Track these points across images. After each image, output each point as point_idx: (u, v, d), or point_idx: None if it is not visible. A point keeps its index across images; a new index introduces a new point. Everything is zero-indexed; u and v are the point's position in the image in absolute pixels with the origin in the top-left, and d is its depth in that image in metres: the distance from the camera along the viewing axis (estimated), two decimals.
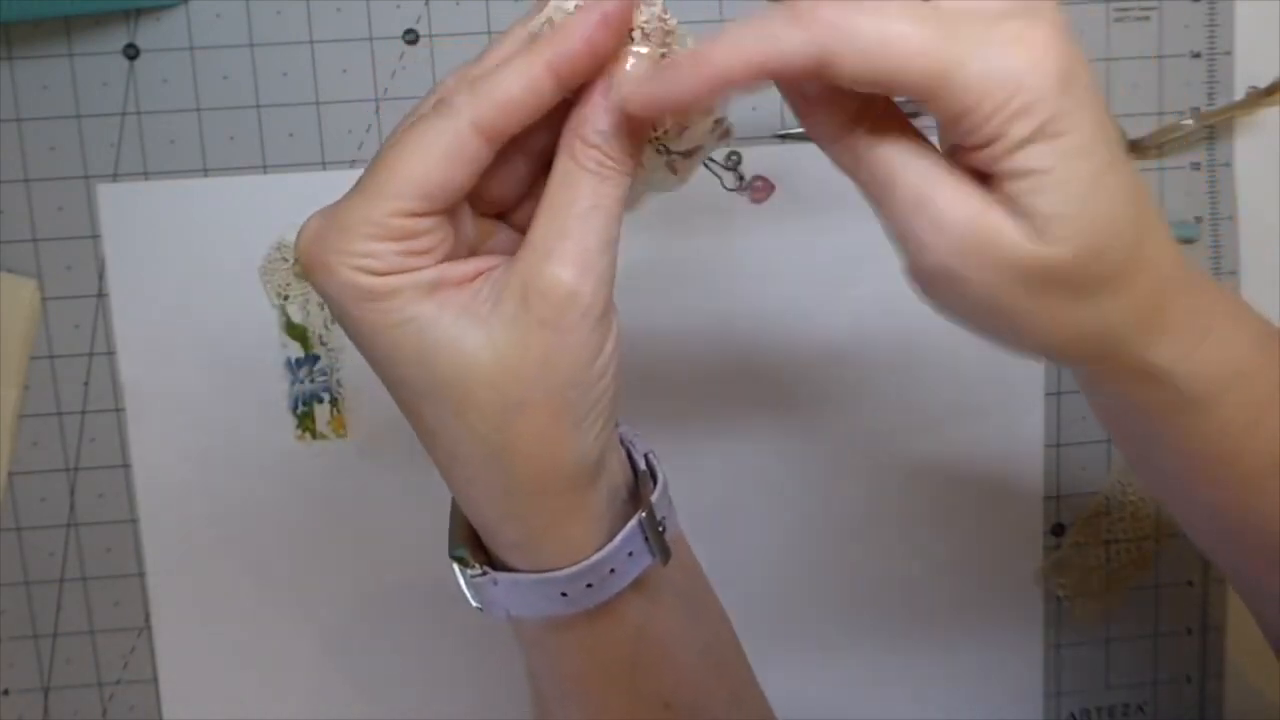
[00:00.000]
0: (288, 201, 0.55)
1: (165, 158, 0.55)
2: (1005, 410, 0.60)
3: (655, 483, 0.37)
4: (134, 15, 0.54)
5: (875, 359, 0.59)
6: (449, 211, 0.32)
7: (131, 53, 0.54)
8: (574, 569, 0.33)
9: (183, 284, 0.56)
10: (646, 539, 0.35)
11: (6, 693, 0.58)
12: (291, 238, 0.55)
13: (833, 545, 0.60)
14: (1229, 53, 0.59)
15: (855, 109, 0.32)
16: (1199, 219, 0.60)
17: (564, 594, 0.34)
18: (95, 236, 0.55)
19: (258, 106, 0.55)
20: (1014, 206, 0.29)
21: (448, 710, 0.59)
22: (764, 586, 0.60)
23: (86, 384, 0.56)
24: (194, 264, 0.55)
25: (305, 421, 0.56)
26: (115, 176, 0.55)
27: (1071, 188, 0.29)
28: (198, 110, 0.54)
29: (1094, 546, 0.61)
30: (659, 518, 0.36)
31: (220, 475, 0.56)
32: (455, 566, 0.36)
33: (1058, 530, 0.61)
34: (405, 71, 0.55)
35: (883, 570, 0.61)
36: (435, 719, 0.59)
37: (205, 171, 0.55)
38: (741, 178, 0.57)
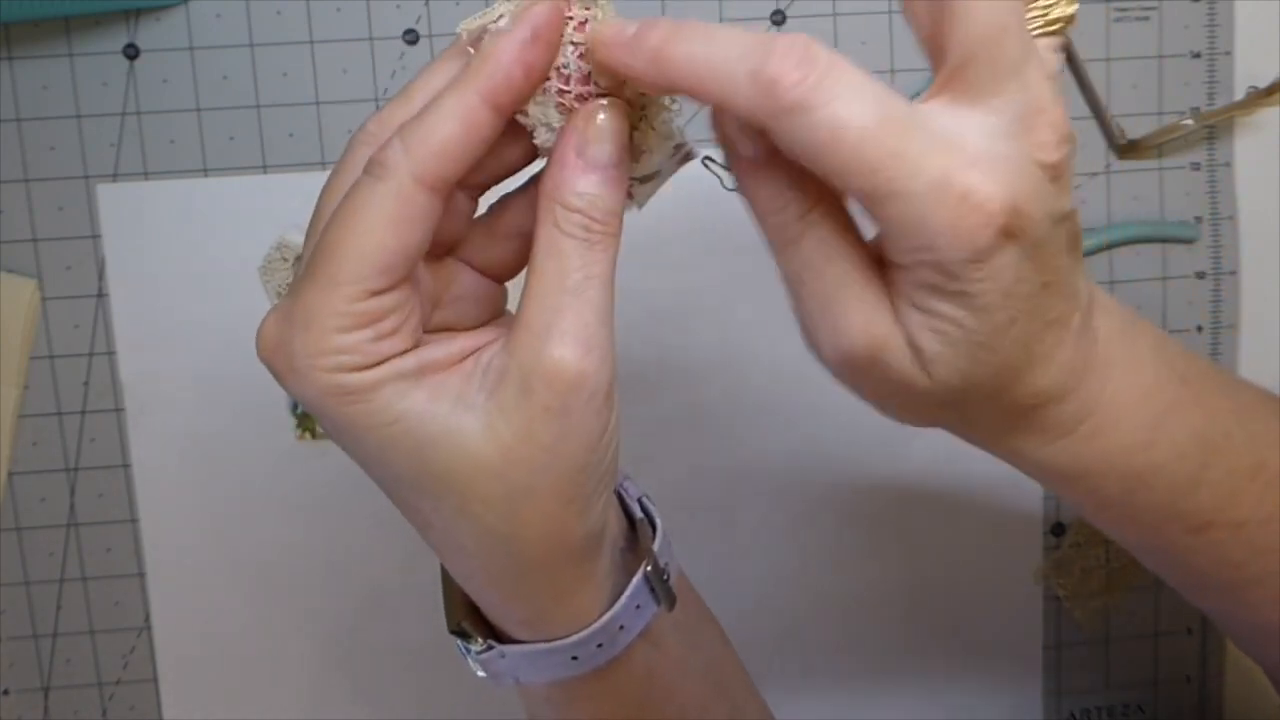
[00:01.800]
0: (288, 201, 0.55)
1: (165, 158, 0.55)
2: None
3: (654, 528, 0.36)
4: (134, 15, 0.54)
5: None
6: (411, 279, 0.29)
7: (131, 53, 0.54)
8: (583, 634, 0.32)
9: (183, 284, 0.56)
10: (652, 589, 0.34)
11: (6, 693, 0.58)
12: (292, 237, 0.55)
13: (832, 545, 0.60)
14: (1229, 53, 0.59)
15: (795, 183, 0.30)
16: (1199, 219, 0.60)
17: (574, 657, 0.33)
18: (95, 236, 0.55)
19: (258, 106, 0.55)
20: (909, 332, 0.29)
21: (448, 710, 0.59)
22: (764, 587, 0.60)
23: (86, 384, 0.56)
24: (194, 264, 0.55)
25: (305, 421, 0.56)
26: (115, 176, 0.55)
27: (962, 347, 0.28)
28: (198, 110, 0.54)
29: (1094, 546, 0.61)
30: (662, 565, 0.34)
31: (220, 475, 0.56)
32: (457, 641, 0.35)
33: (1058, 530, 0.61)
34: (405, 72, 0.55)
35: (883, 570, 0.61)
36: (435, 719, 0.59)
37: (205, 171, 0.55)
38: None
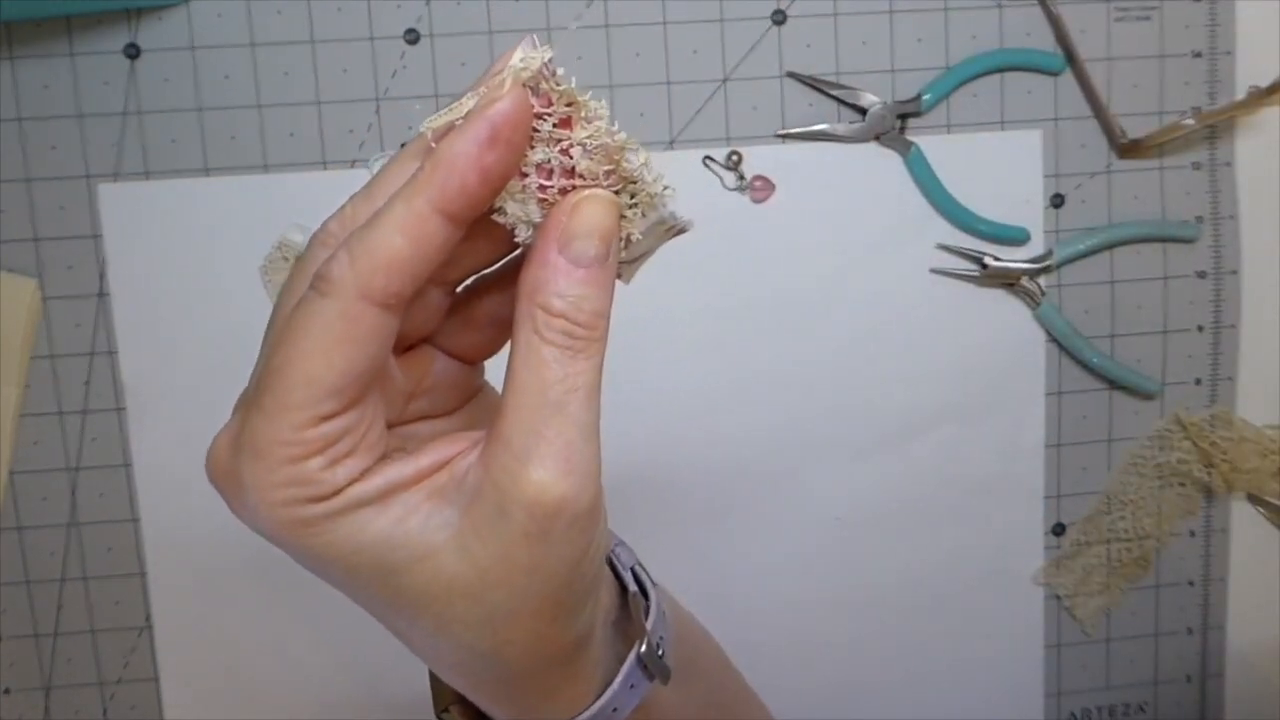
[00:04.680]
0: (289, 201, 0.55)
1: (166, 157, 0.55)
2: (1005, 410, 0.60)
3: (647, 600, 0.33)
4: (135, 15, 0.54)
5: (875, 359, 0.59)
6: (365, 396, 0.26)
7: (133, 52, 0.54)
8: None
9: (183, 284, 0.56)
10: (645, 666, 0.32)
11: (8, 692, 0.58)
12: (293, 236, 0.55)
13: (833, 545, 0.60)
14: (1230, 52, 0.59)
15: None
16: (1200, 219, 0.60)
17: None
18: (96, 236, 0.55)
19: (259, 106, 0.55)
20: None
21: None
22: (764, 587, 0.60)
23: (87, 383, 0.56)
24: (195, 263, 0.55)
25: None
26: (116, 176, 0.55)
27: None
28: (199, 110, 0.54)
29: (1094, 546, 0.61)
30: (655, 642, 0.32)
31: None
32: None
33: (1058, 530, 0.61)
34: (406, 71, 0.55)
35: (883, 570, 0.61)
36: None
37: (206, 171, 0.55)
38: (742, 178, 0.57)
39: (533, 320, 0.26)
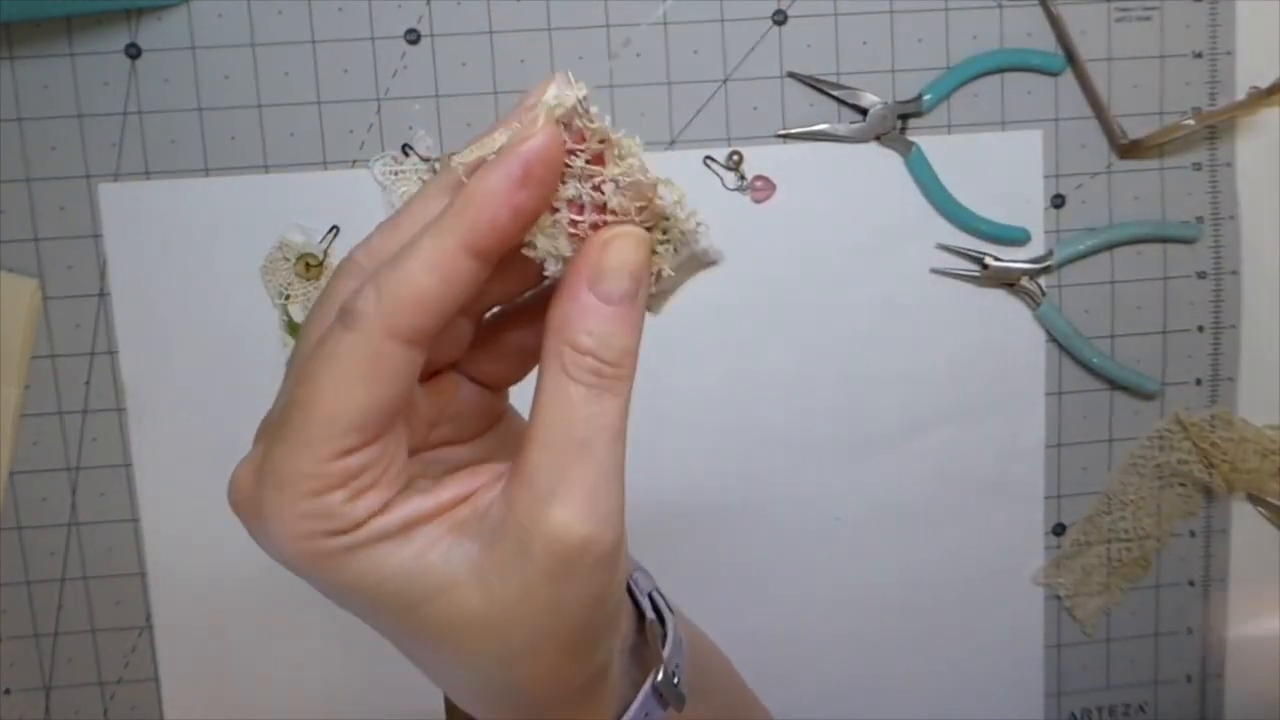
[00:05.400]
0: (289, 201, 0.55)
1: (166, 157, 0.55)
2: (1005, 410, 0.60)
3: (664, 627, 0.33)
4: (135, 15, 0.54)
5: (875, 359, 0.59)
6: (389, 431, 0.26)
7: (133, 52, 0.54)
8: None
9: (183, 284, 0.56)
10: (660, 695, 0.31)
11: (8, 692, 0.58)
12: (293, 237, 0.55)
13: (833, 545, 0.60)
14: (1230, 53, 0.59)
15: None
16: (1200, 219, 0.60)
17: None
18: (96, 236, 0.55)
19: (259, 106, 0.55)
20: None
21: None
22: (764, 587, 0.60)
23: (88, 383, 0.56)
24: (195, 264, 0.55)
25: None
26: (117, 176, 0.55)
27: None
28: (199, 110, 0.54)
29: (1094, 546, 0.61)
30: (671, 670, 0.32)
31: (221, 475, 0.56)
32: None
33: (1058, 530, 0.61)
34: (407, 71, 0.55)
35: (883, 570, 0.61)
36: (436, 719, 0.59)
37: (206, 171, 0.55)
38: (742, 177, 0.57)
39: (560, 357, 0.26)
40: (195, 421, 0.56)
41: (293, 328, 0.56)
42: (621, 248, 0.26)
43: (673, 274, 0.27)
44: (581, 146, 0.26)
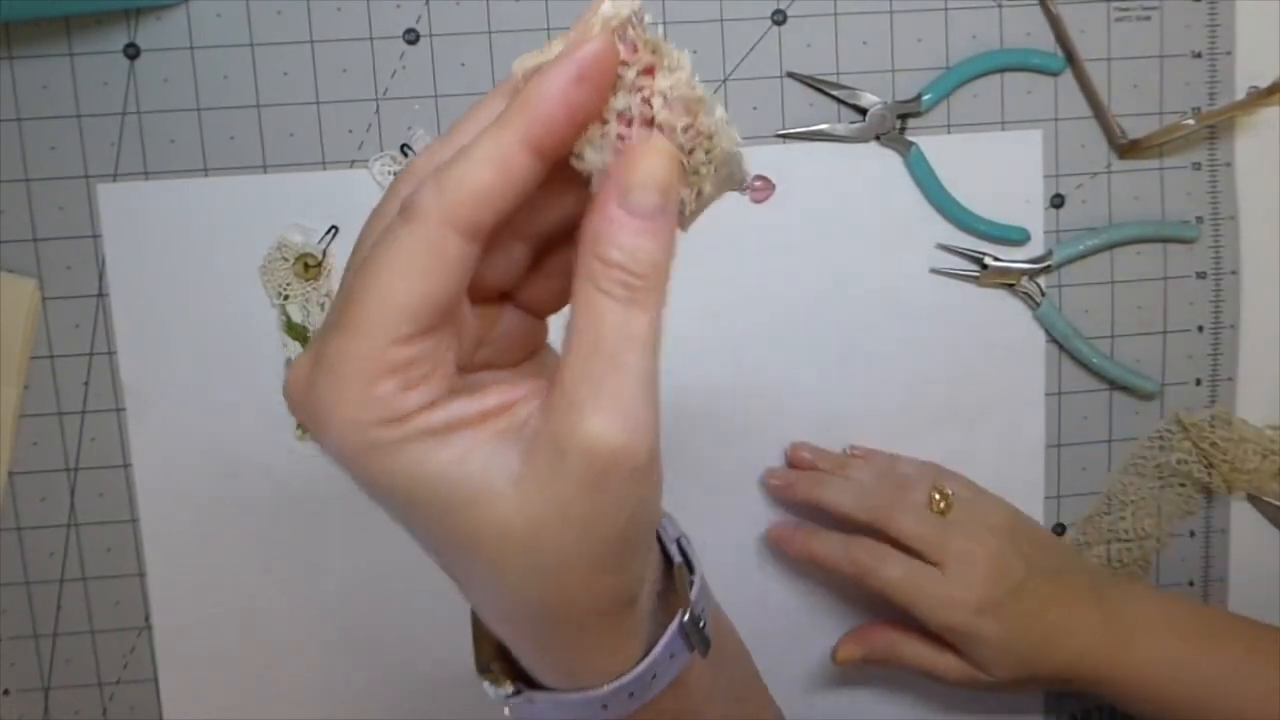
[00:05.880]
0: (288, 201, 0.55)
1: (165, 157, 0.55)
2: (1005, 410, 0.60)
3: (692, 572, 0.34)
4: (134, 15, 0.54)
5: (876, 359, 0.59)
6: (443, 326, 0.27)
7: (132, 52, 0.54)
8: (616, 685, 0.31)
9: (183, 284, 0.56)
10: (687, 636, 0.32)
11: (7, 692, 0.58)
12: (292, 237, 0.55)
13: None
14: (1230, 53, 0.59)
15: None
16: (1200, 219, 0.60)
17: (604, 705, 0.31)
18: (95, 236, 0.55)
19: (258, 106, 0.55)
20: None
21: (449, 710, 0.59)
22: (765, 587, 0.60)
23: (87, 384, 0.56)
24: (194, 264, 0.55)
25: None
26: (115, 176, 0.55)
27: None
28: (198, 110, 0.54)
29: (1094, 546, 0.61)
30: (698, 613, 0.33)
31: (220, 475, 0.56)
32: (485, 683, 0.33)
33: (1058, 530, 0.61)
34: (405, 71, 0.55)
35: None
36: (437, 719, 0.59)
37: (205, 171, 0.55)
38: None
39: (590, 271, 0.26)
40: (194, 421, 0.56)
41: (291, 327, 0.56)
42: (648, 162, 0.27)
43: (714, 192, 0.28)
44: (634, 58, 0.27)
